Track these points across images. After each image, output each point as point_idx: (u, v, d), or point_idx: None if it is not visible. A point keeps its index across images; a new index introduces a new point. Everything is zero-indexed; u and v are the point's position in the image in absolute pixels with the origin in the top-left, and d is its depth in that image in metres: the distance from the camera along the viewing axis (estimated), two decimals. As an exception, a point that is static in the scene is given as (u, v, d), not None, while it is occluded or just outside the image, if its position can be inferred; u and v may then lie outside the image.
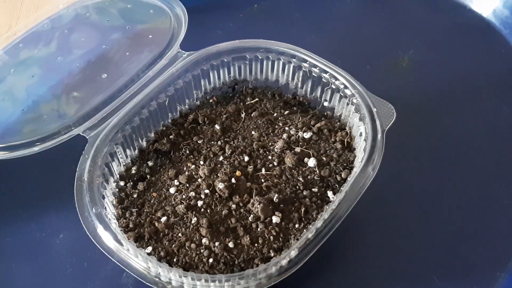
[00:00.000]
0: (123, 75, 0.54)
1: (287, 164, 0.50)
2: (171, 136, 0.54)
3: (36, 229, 0.53)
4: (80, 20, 0.61)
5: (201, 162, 0.51)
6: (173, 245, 0.45)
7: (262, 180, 0.49)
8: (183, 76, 0.55)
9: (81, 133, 0.50)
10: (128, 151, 0.52)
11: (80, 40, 0.59)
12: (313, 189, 0.48)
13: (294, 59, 0.55)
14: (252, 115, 0.55)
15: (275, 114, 0.55)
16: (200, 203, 0.47)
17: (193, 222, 0.46)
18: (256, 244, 0.44)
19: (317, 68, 0.54)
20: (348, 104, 0.53)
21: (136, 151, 0.53)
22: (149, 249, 0.45)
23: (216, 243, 0.44)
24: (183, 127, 0.55)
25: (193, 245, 0.44)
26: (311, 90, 0.56)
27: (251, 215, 0.46)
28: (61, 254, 0.51)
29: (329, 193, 0.48)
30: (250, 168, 0.49)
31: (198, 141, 0.53)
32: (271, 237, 0.45)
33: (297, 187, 0.48)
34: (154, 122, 0.54)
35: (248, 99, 0.57)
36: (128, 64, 0.55)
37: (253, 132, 0.53)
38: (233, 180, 0.48)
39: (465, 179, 0.55)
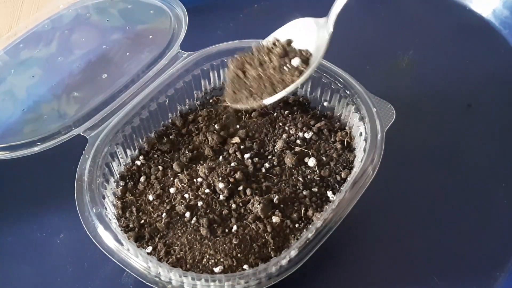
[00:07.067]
0: (123, 75, 0.54)
1: (287, 164, 0.50)
2: (171, 136, 0.54)
3: (37, 229, 0.53)
4: (80, 20, 0.61)
5: (201, 162, 0.51)
6: (173, 245, 0.45)
7: (262, 180, 0.49)
8: (183, 76, 0.55)
9: (81, 133, 0.50)
10: (128, 151, 0.52)
11: (80, 40, 0.59)
12: (313, 189, 0.48)
13: (294, 59, 0.55)
14: (252, 115, 0.55)
15: (275, 114, 0.55)
16: (200, 203, 0.47)
17: (193, 222, 0.46)
18: (256, 244, 0.44)
19: (317, 68, 0.54)
20: (348, 104, 0.53)
21: (136, 151, 0.53)
22: (149, 249, 0.45)
23: (216, 243, 0.44)
24: (183, 127, 0.55)
25: (193, 245, 0.45)
26: (311, 90, 0.56)
27: (251, 215, 0.46)
28: (62, 254, 0.51)
29: (329, 193, 0.48)
30: (250, 168, 0.49)
31: (198, 141, 0.53)
32: (271, 237, 0.45)
33: (297, 187, 0.48)
34: (154, 122, 0.54)
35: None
36: (128, 64, 0.56)
37: (253, 132, 0.53)
38: (233, 180, 0.48)
39: (465, 179, 0.55)
